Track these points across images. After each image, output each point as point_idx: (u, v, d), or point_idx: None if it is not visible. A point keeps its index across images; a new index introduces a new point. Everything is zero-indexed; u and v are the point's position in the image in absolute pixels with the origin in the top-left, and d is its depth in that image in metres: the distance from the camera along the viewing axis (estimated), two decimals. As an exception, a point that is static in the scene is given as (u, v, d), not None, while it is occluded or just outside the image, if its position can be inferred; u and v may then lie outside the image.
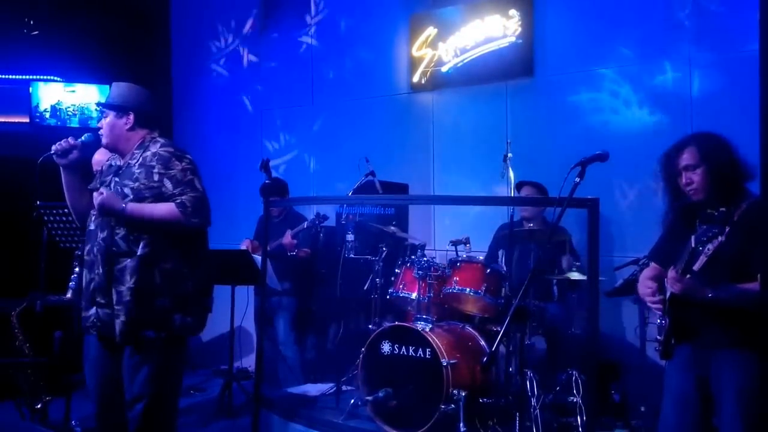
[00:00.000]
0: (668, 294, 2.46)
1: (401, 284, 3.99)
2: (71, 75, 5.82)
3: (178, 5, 6.72)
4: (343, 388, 4.19)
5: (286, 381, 4.70)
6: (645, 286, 2.61)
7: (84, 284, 2.82)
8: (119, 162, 2.88)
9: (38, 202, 3.56)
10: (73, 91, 5.76)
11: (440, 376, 3.40)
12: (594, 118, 4.58)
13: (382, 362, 3.62)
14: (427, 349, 3.50)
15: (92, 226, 2.82)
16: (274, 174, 4.17)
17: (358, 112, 5.68)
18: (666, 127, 4.29)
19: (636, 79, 4.45)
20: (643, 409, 3.83)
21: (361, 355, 3.70)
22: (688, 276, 2.30)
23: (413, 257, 4.03)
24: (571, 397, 3.64)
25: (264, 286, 4.05)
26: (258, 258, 4.32)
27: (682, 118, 4.20)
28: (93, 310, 2.75)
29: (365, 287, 4.41)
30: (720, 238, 2.14)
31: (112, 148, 2.90)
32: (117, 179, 2.81)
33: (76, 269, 3.66)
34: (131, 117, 2.84)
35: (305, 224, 4.64)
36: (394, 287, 4.02)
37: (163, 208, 2.70)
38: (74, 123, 5.74)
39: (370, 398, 3.55)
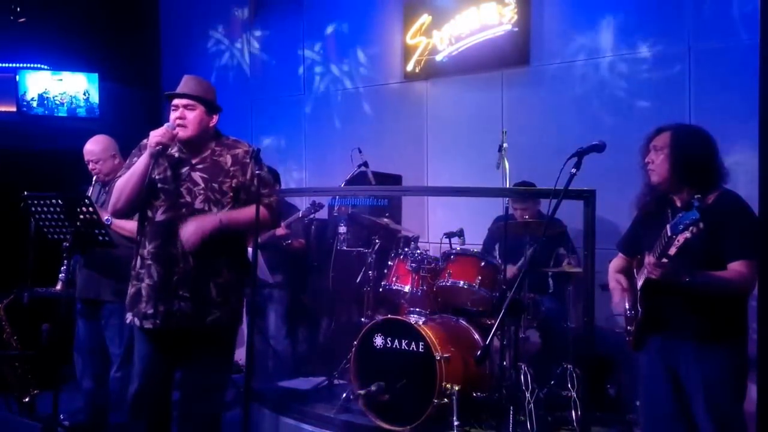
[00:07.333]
0: (641, 283, 2.49)
1: (394, 277, 3.94)
2: (59, 63, 5.73)
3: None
4: (335, 381, 4.15)
5: (277, 375, 4.66)
6: (614, 279, 2.72)
7: (154, 279, 2.72)
8: (181, 154, 2.79)
9: (25, 193, 3.48)
10: (61, 80, 5.65)
11: (433, 370, 3.37)
12: (590, 107, 4.51)
13: (375, 356, 3.58)
14: (420, 343, 3.47)
15: (163, 218, 2.73)
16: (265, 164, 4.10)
17: (350, 101, 5.61)
18: (663, 117, 4.22)
19: (633, 68, 4.38)
20: (638, 403, 3.79)
21: (353, 349, 3.66)
22: (665, 261, 2.31)
23: (406, 249, 4.00)
24: (566, 392, 3.61)
25: (255, 279, 3.99)
26: (249, 249, 4.25)
27: (680, 108, 4.15)
28: (171, 304, 2.70)
29: (358, 280, 4.36)
30: (700, 225, 2.13)
31: (188, 143, 2.79)
32: (206, 176, 2.75)
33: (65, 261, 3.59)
34: (217, 116, 2.83)
35: (299, 213, 4.58)
36: (387, 280, 3.97)
37: (253, 212, 2.69)
38: (62, 112, 5.61)
39: (362, 392, 3.51)
